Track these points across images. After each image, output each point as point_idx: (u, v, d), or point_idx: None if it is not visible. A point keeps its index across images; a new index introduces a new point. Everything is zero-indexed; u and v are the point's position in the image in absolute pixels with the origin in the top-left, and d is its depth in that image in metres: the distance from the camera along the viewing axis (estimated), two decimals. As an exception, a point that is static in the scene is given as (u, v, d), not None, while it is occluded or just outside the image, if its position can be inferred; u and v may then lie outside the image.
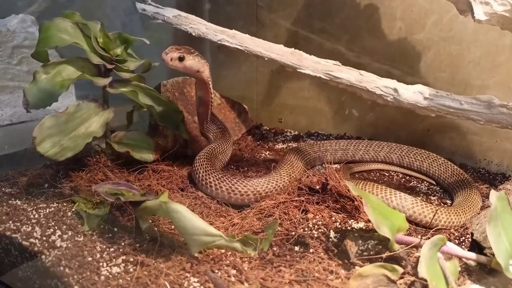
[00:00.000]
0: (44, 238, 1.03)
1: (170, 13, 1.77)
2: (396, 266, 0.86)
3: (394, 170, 1.75)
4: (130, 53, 1.48)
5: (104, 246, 0.99)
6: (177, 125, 1.54)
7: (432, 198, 1.49)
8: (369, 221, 1.11)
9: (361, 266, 0.92)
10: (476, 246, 1.05)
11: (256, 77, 2.37)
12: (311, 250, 1.01)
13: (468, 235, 1.14)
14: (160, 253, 0.95)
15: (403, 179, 1.69)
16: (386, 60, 1.90)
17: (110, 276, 0.88)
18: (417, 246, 0.96)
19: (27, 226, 1.08)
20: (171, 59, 1.29)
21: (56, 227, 1.08)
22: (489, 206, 0.98)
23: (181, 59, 1.31)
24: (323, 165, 1.72)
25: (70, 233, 1.05)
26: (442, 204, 1.44)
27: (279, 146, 2.04)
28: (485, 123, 1.35)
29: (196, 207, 1.24)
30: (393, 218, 0.96)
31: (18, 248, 1.02)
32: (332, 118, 2.18)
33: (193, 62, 1.34)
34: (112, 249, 0.98)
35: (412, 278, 0.87)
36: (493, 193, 0.94)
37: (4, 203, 1.20)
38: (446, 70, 1.78)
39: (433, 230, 1.16)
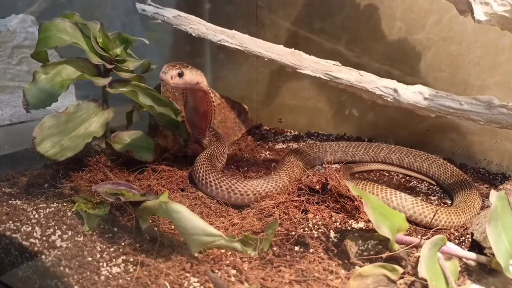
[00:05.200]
0: (44, 238, 1.03)
1: (170, 14, 1.77)
2: (396, 266, 0.86)
3: (394, 171, 1.75)
4: (130, 53, 1.48)
5: (104, 246, 0.99)
6: (177, 125, 1.54)
7: (432, 198, 1.49)
8: (369, 221, 1.11)
9: (361, 266, 0.92)
10: (476, 246, 1.05)
11: (256, 77, 2.37)
12: (311, 250, 1.01)
13: (468, 235, 1.14)
14: (160, 253, 0.95)
15: (403, 179, 1.69)
16: (386, 60, 1.90)
17: (110, 276, 0.88)
18: (417, 246, 0.96)
19: (27, 226, 1.08)
20: (171, 77, 1.28)
21: (56, 227, 1.07)
22: (489, 206, 0.98)
23: (180, 75, 1.30)
24: (323, 165, 1.72)
25: (70, 233, 1.05)
26: (442, 204, 1.44)
27: (279, 146, 2.04)
28: (485, 123, 1.35)
29: (196, 207, 1.24)
30: (393, 218, 0.96)
31: (18, 248, 1.01)
32: (332, 118, 2.19)
33: (192, 75, 1.33)
34: (112, 249, 0.98)
35: (412, 278, 0.86)
36: (493, 193, 0.94)
37: (4, 203, 1.20)
38: (446, 70, 1.78)
39: (433, 230, 1.16)
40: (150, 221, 1.05)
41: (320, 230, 1.10)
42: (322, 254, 0.99)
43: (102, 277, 0.87)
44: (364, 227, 1.11)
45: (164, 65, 1.31)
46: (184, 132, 1.57)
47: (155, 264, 0.91)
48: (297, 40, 2.13)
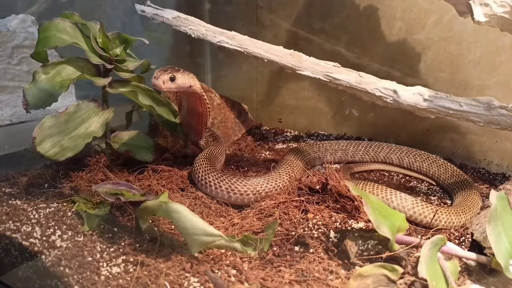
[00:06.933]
0: (44, 238, 1.03)
1: (170, 15, 1.76)
2: (396, 266, 0.86)
3: (394, 171, 1.75)
4: (129, 53, 1.48)
5: (104, 246, 0.99)
6: (175, 126, 1.54)
7: (432, 198, 1.50)
8: (369, 221, 1.11)
9: (361, 266, 0.92)
10: (476, 246, 1.05)
11: (256, 77, 2.37)
12: (311, 250, 1.01)
13: (468, 235, 1.14)
14: (160, 253, 0.95)
15: (403, 179, 1.69)
16: (386, 61, 1.90)
17: (110, 276, 0.88)
18: (417, 246, 0.96)
19: (27, 226, 1.08)
20: (163, 82, 1.27)
21: (56, 227, 1.08)
22: (489, 206, 0.98)
23: (172, 79, 1.29)
24: (323, 165, 1.72)
25: (70, 233, 1.05)
26: (442, 204, 1.44)
27: (279, 146, 2.04)
28: (484, 124, 1.35)
29: (196, 207, 1.24)
30: (393, 218, 0.96)
31: (18, 248, 1.02)
32: (332, 118, 2.19)
33: (184, 78, 1.33)
34: (112, 249, 0.98)
35: (412, 278, 0.87)
36: (493, 193, 0.94)
37: (4, 203, 1.20)
38: (446, 70, 1.78)
39: (433, 230, 1.16)
40: (150, 221, 1.05)
41: (320, 230, 1.10)
42: (322, 254, 0.99)
43: (102, 277, 0.87)
44: (364, 227, 1.11)
45: (159, 68, 1.31)
46: (182, 133, 1.57)
47: (155, 264, 0.91)
48: (297, 40, 2.13)
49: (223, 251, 0.97)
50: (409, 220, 1.21)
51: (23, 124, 1.73)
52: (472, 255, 0.95)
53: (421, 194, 1.53)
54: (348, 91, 1.55)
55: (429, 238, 0.93)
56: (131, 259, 0.93)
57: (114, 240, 1.02)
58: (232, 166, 1.68)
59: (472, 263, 0.96)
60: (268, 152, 1.92)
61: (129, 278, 0.86)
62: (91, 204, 1.17)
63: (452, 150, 1.85)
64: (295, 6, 2.12)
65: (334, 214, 1.18)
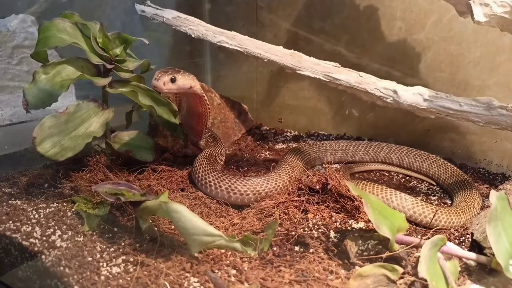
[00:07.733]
0: (44, 238, 1.03)
1: (170, 15, 1.76)
2: (396, 266, 0.86)
3: (394, 171, 1.75)
4: (129, 53, 1.48)
5: (104, 246, 0.99)
6: (174, 127, 1.54)
7: (432, 198, 1.50)
8: (369, 221, 1.11)
9: (361, 266, 0.92)
10: (476, 246, 1.05)
11: (256, 77, 2.37)
12: (311, 250, 1.01)
13: (468, 235, 1.14)
14: (160, 253, 0.95)
15: (403, 179, 1.69)
16: (386, 61, 1.90)
17: (110, 276, 0.88)
18: (417, 246, 0.96)
19: (27, 226, 1.08)
20: (164, 84, 1.27)
21: (56, 227, 1.08)
22: (489, 206, 0.98)
23: (173, 80, 1.29)
24: (323, 165, 1.72)
25: (70, 233, 1.05)
26: (442, 204, 1.44)
27: (279, 146, 2.04)
28: (484, 124, 1.35)
29: (196, 207, 1.24)
30: (393, 218, 0.96)
31: (18, 248, 1.02)
32: (332, 118, 2.19)
33: (184, 79, 1.33)
34: (112, 249, 0.98)
35: (412, 278, 0.87)
36: (493, 193, 0.94)
37: (4, 203, 1.20)
38: (446, 70, 1.78)
39: (433, 230, 1.16)
40: (150, 221, 1.05)
41: (320, 230, 1.10)
42: (322, 254, 0.99)
43: (102, 277, 0.87)
44: (364, 227, 1.11)
45: (161, 68, 1.31)
46: (181, 134, 1.57)
47: (155, 264, 0.91)
48: (297, 40, 2.13)
49: (223, 251, 0.98)
50: (409, 220, 1.21)
51: (23, 124, 1.73)
52: (472, 255, 0.95)
53: (421, 194, 1.53)
54: (348, 91, 1.55)
55: (429, 238, 0.93)
56: (131, 259, 0.93)
57: (114, 240, 1.02)
58: (232, 166, 1.68)
59: (472, 263, 0.96)
60: (268, 152, 1.92)
61: (129, 278, 0.86)
62: (91, 204, 1.17)
63: (452, 150, 1.85)
64: (295, 6, 2.12)
65: (334, 214, 1.18)
